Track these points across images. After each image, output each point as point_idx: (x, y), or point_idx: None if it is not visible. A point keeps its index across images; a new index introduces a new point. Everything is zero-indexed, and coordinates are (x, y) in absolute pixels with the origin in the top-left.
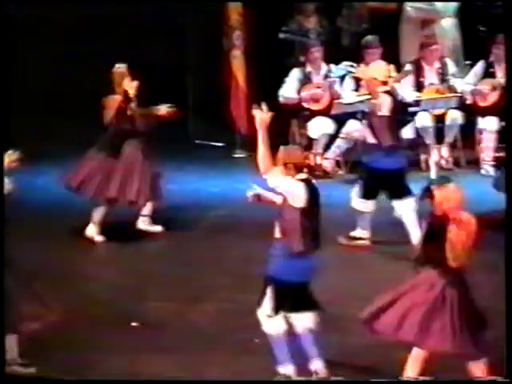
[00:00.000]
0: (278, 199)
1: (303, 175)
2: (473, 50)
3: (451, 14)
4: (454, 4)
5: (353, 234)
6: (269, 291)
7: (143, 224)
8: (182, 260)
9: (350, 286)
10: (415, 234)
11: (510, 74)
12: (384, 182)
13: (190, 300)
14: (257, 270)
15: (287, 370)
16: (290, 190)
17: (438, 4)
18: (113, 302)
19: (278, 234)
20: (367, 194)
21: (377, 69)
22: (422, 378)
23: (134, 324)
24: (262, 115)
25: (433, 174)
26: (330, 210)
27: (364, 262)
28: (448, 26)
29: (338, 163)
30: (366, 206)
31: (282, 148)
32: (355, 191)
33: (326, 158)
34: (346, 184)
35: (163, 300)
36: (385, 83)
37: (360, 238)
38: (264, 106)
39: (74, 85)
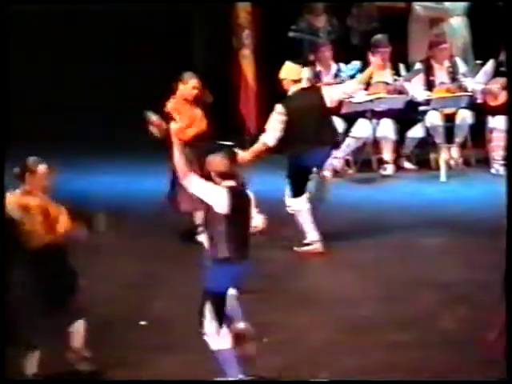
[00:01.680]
0: None
1: (230, 182)
2: (483, 48)
3: (460, 12)
4: (464, 3)
5: (305, 241)
6: (208, 306)
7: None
8: (188, 258)
9: (357, 285)
10: (312, 233)
11: (510, 74)
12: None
13: (198, 299)
14: (262, 270)
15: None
16: (212, 196)
17: (447, 3)
18: (121, 301)
19: (206, 243)
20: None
21: (288, 69)
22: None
23: (142, 323)
24: (174, 125)
25: (442, 174)
26: (340, 209)
27: (373, 259)
28: (457, 24)
29: (347, 162)
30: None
31: (208, 157)
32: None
33: (336, 157)
34: (355, 183)
35: (171, 298)
36: (297, 81)
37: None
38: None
39: (76, 84)
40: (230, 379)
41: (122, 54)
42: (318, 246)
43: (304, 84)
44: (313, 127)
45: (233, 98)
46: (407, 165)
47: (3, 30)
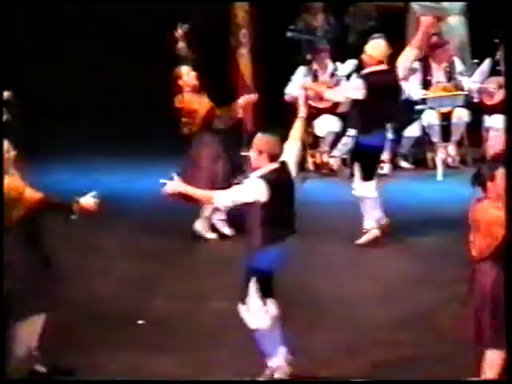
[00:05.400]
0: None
1: (274, 165)
2: (480, 47)
3: (458, 11)
4: (461, 2)
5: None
6: (252, 284)
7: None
8: (187, 258)
9: (355, 284)
10: (370, 220)
11: (510, 74)
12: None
13: (196, 298)
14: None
15: (278, 361)
16: (251, 194)
17: (445, 2)
18: (119, 300)
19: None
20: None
21: (375, 46)
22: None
23: (140, 322)
24: None
25: (439, 173)
26: (337, 208)
27: (371, 258)
28: (455, 24)
29: (344, 161)
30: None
31: (259, 135)
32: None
33: (333, 156)
34: (352, 182)
35: (170, 298)
36: (381, 62)
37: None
38: None
39: (76, 83)
40: (234, 379)
41: (121, 54)
42: (375, 232)
43: (385, 66)
44: (386, 109)
45: (230, 97)
46: (404, 164)
47: (3, 30)
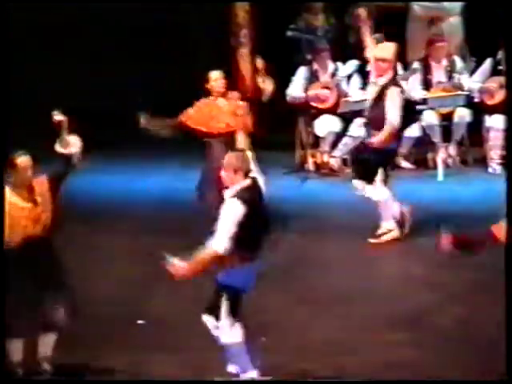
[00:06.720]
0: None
1: (247, 181)
2: (480, 48)
3: (458, 12)
4: (461, 2)
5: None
6: (223, 301)
7: None
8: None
9: (355, 284)
10: (389, 221)
11: (511, 74)
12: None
13: (196, 298)
14: (261, 269)
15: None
16: (234, 218)
17: (445, 2)
18: (119, 300)
19: None
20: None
21: (383, 48)
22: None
23: (140, 322)
24: None
25: (440, 173)
26: (337, 208)
27: (371, 258)
28: (455, 24)
29: (344, 161)
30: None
31: (230, 153)
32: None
33: (333, 156)
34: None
35: (170, 298)
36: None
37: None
38: None
39: (75, 84)
40: (234, 379)
41: (121, 54)
42: (396, 233)
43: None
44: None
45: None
46: (405, 164)
47: (4, 30)
